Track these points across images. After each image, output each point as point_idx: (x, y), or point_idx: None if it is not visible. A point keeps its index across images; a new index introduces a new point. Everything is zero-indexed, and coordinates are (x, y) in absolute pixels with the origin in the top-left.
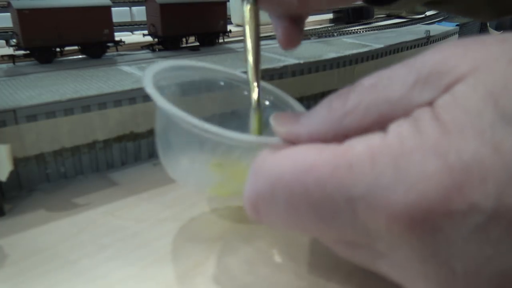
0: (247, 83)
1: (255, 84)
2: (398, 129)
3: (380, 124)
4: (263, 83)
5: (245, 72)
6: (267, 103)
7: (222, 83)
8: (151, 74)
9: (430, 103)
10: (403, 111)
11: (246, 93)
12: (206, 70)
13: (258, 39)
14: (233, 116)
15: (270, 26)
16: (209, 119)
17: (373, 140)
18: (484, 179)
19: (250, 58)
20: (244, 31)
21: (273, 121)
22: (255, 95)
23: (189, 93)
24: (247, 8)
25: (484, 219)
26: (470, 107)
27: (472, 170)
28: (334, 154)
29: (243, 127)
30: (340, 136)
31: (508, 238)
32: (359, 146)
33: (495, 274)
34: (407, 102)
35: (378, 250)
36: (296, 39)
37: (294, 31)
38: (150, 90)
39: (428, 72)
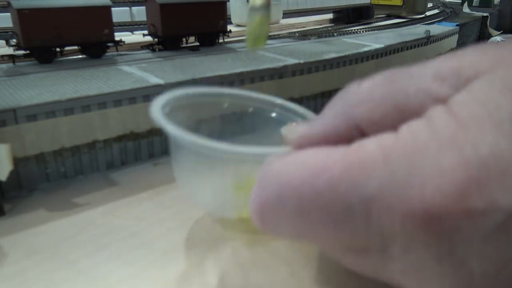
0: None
1: None
2: (410, 127)
3: (392, 120)
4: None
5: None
6: (273, 115)
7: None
8: (160, 103)
9: (444, 101)
10: (418, 106)
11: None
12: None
13: None
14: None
15: (273, 25)
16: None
17: (384, 138)
18: (503, 174)
19: None
20: None
21: (284, 131)
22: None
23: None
24: None
25: (505, 218)
26: (488, 101)
27: (490, 164)
28: (345, 154)
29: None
30: (352, 128)
31: None
32: (370, 144)
33: None
34: (424, 96)
35: (390, 255)
36: None
37: None
38: (161, 120)
39: (447, 69)
